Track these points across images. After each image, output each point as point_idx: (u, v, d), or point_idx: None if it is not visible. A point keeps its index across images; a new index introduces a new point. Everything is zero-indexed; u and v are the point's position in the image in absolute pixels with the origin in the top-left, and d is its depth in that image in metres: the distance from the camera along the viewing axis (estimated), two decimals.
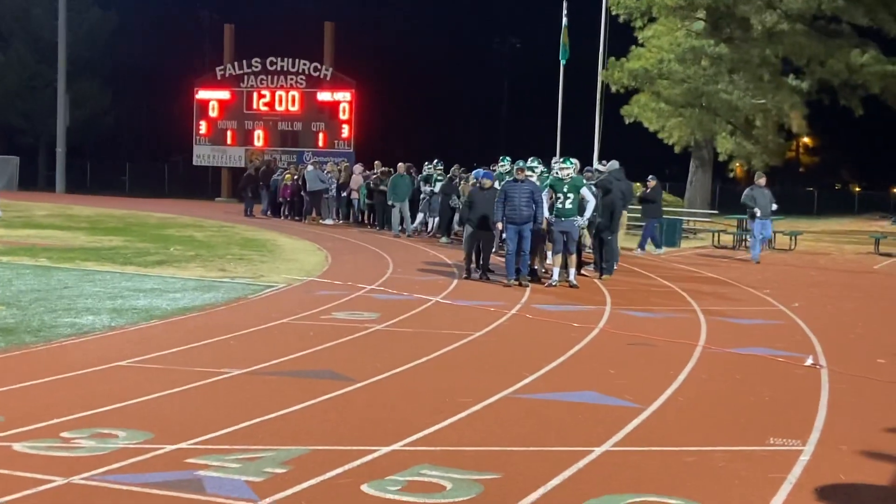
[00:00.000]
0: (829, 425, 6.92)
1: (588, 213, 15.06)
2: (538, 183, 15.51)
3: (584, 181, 15.63)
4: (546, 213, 15.00)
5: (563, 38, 30.17)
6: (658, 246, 22.52)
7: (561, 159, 15.58)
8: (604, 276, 16.33)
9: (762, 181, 21.16)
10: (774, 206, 20.86)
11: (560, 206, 14.89)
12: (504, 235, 15.08)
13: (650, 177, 22.92)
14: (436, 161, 25.95)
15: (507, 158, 19.80)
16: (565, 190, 14.92)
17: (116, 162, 59.71)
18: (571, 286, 14.77)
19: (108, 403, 7.00)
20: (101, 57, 58.70)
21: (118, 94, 59.80)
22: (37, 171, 58.74)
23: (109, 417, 6.63)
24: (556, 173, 15.49)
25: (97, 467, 5.51)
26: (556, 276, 15.00)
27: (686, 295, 14.60)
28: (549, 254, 15.43)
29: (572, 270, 15.08)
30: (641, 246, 22.24)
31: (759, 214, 20.55)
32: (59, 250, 18.38)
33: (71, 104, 51.36)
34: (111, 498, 5.04)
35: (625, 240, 21.00)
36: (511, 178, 15.39)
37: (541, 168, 16.83)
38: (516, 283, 14.76)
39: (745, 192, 21.33)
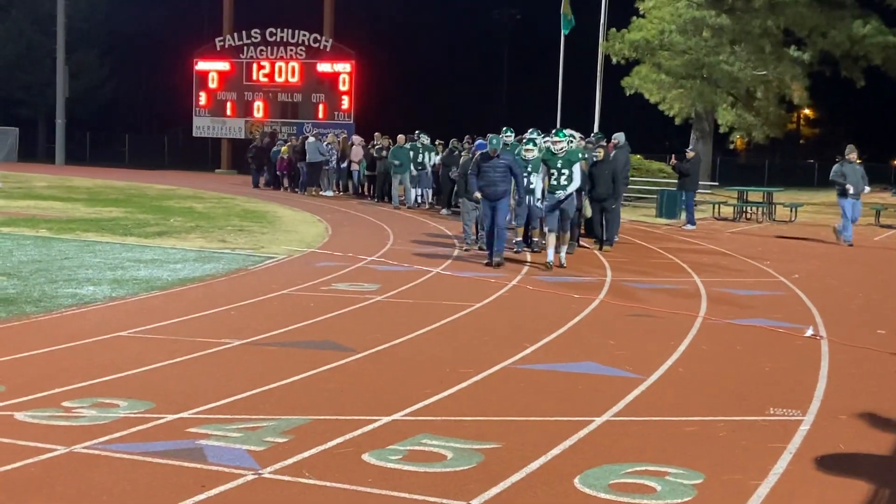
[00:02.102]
0: (828, 395, 6.93)
1: (572, 188, 13.87)
2: (579, 155, 15.39)
3: (581, 155, 15.01)
4: (540, 189, 14.47)
5: (565, 8, 30.02)
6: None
7: (553, 131, 14.71)
8: (604, 248, 16.34)
9: (853, 156, 18.98)
10: (867, 188, 19.11)
11: (554, 181, 13.91)
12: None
13: (688, 149, 22.56)
14: (417, 132, 25.98)
15: (511, 129, 19.70)
16: (559, 165, 13.91)
17: (116, 133, 59.59)
18: (560, 265, 13.88)
19: (109, 373, 7.01)
20: (99, 28, 58.46)
21: (117, 66, 59.64)
22: (36, 142, 58.64)
23: (111, 387, 6.65)
24: (550, 147, 14.46)
25: (99, 436, 5.53)
26: (550, 257, 13.87)
27: (686, 266, 14.60)
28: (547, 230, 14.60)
29: (564, 248, 14.20)
30: (690, 221, 21.62)
31: (851, 192, 18.69)
32: (59, 221, 18.37)
33: (70, 75, 51.19)
34: (113, 467, 5.06)
35: (625, 211, 20.96)
36: (484, 152, 14.33)
37: (540, 140, 16.70)
38: (497, 263, 13.74)
39: (835, 167, 19.26)
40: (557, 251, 14.01)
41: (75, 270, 12.15)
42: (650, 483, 5.00)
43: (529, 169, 15.47)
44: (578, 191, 15.70)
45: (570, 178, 13.86)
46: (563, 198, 13.82)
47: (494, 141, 14.05)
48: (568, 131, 18.00)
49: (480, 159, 14.17)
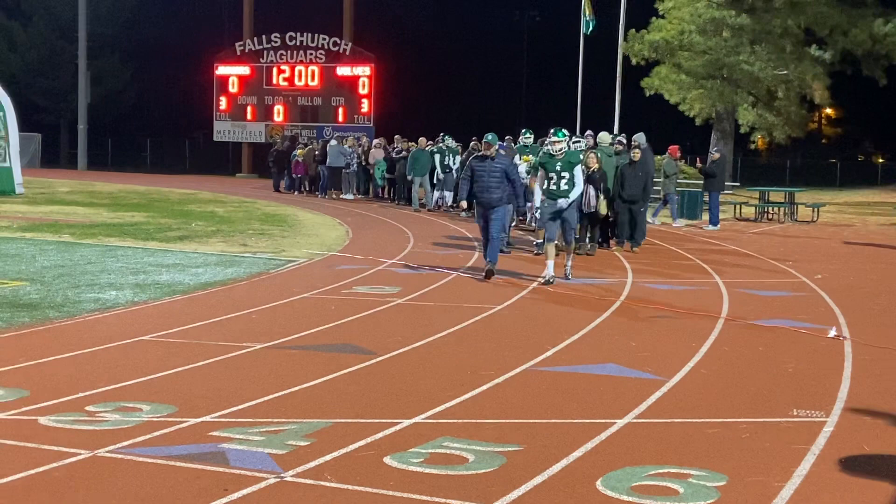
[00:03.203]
0: (852, 396, 6.89)
1: (574, 195, 12.58)
2: (580, 157, 15.25)
3: (580, 156, 13.70)
4: (538, 196, 13.09)
5: (587, 9, 29.99)
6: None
7: (552, 130, 12.97)
8: (634, 249, 16.30)
9: None
10: None
11: (553, 186, 12.59)
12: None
13: (714, 149, 22.54)
14: (442, 135, 26.00)
15: (530, 131, 19.65)
16: (558, 168, 12.58)
17: (137, 138, 59.86)
18: (566, 278, 12.65)
19: (132, 377, 7.04)
20: (121, 34, 58.77)
21: (138, 71, 59.93)
22: (59, 147, 58.99)
23: (134, 391, 6.68)
24: (547, 148, 13.12)
25: (122, 440, 5.55)
26: (549, 271, 12.46)
27: (708, 267, 14.54)
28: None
29: (569, 262, 12.98)
30: (714, 221, 21.57)
31: None
32: (81, 226, 18.47)
33: (92, 81, 51.50)
34: (136, 471, 5.08)
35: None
36: (478, 153, 13.33)
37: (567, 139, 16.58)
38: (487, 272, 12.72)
39: None
40: (565, 259, 13.01)
41: (98, 275, 12.21)
42: (673, 485, 4.98)
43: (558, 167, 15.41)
44: (598, 187, 15.68)
45: (570, 183, 12.53)
46: (565, 206, 12.52)
47: (490, 137, 12.94)
48: (589, 133, 17.99)
49: (473, 161, 13.08)
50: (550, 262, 12.52)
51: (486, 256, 12.93)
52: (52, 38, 57.29)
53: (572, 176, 12.54)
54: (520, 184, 13.01)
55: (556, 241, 12.72)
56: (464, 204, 13.42)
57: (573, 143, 17.30)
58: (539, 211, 13.02)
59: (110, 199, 27.31)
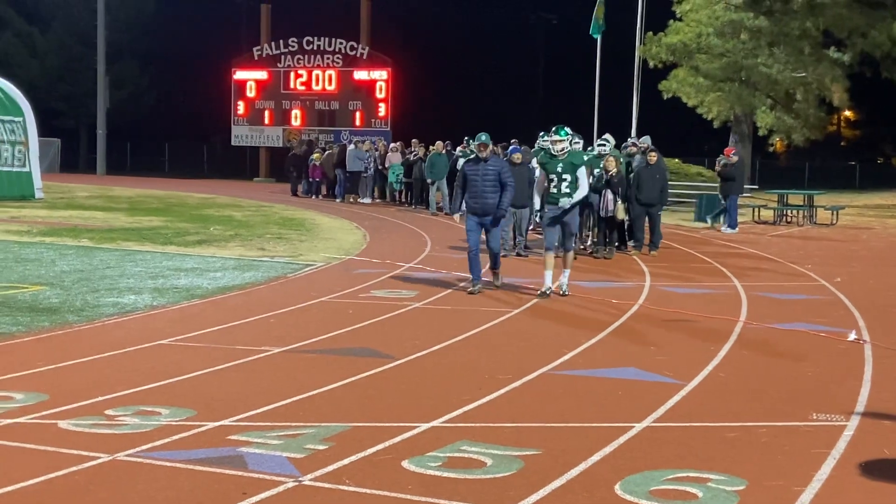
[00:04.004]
0: (872, 400, 6.85)
1: (578, 196, 11.56)
2: (584, 157, 15.16)
3: (584, 157, 12.53)
4: (538, 201, 12.43)
5: (598, 12, 29.97)
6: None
7: (553, 129, 11.86)
8: (652, 252, 16.25)
9: None
10: None
11: (554, 190, 11.55)
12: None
13: (732, 152, 22.42)
14: (466, 139, 26.00)
15: (548, 134, 19.60)
16: (559, 169, 11.53)
17: (155, 143, 60.08)
18: (562, 294, 11.58)
19: (151, 381, 7.07)
20: (139, 39, 59.01)
21: (157, 76, 60.16)
22: (78, 152, 59.21)
23: (153, 395, 6.70)
24: (548, 147, 12.05)
25: (141, 444, 5.57)
26: (547, 282, 11.54)
27: (726, 270, 14.49)
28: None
29: (567, 273, 11.85)
30: (732, 225, 21.38)
31: None
32: (100, 231, 18.56)
33: (111, 86, 51.73)
34: (155, 474, 5.10)
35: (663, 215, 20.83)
36: (472, 156, 12.20)
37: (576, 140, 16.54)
38: (480, 289, 11.74)
39: None
40: (562, 270, 11.88)
41: (117, 279, 12.27)
42: (692, 489, 4.96)
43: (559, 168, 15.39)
44: (616, 192, 15.64)
45: (573, 185, 11.51)
46: (567, 207, 11.51)
47: (484, 137, 11.73)
48: (607, 136, 17.92)
49: (466, 166, 12.05)
50: (548, 273, 11.55)
51: (472, 271, 11.85)
52: (71, 43, 57.59)
53: (575, 178, 11.50)
54: (511, 187, 11.75)
55: (554, 251, 11.74)
56: (456, 217, 12.25)
57: (575, 142, 17.17)
58: (539, 215, 12.08)
59: (129, 203, 27.43)
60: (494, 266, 12.14)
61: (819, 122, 35.50)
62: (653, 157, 16.57)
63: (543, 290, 11.49)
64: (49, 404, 6.40)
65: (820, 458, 5.51)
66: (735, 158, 22.24)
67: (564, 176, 11.48)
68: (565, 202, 11.44)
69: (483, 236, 11.95)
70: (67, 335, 8.84)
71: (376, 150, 30.41)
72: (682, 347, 8.71)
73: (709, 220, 22.19)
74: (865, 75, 33.57)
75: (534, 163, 18.05)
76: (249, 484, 4.94)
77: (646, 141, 18.31)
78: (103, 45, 50.29)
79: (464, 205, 12.00)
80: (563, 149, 11.58)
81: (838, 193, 34.53)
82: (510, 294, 11.72)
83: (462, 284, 12.45)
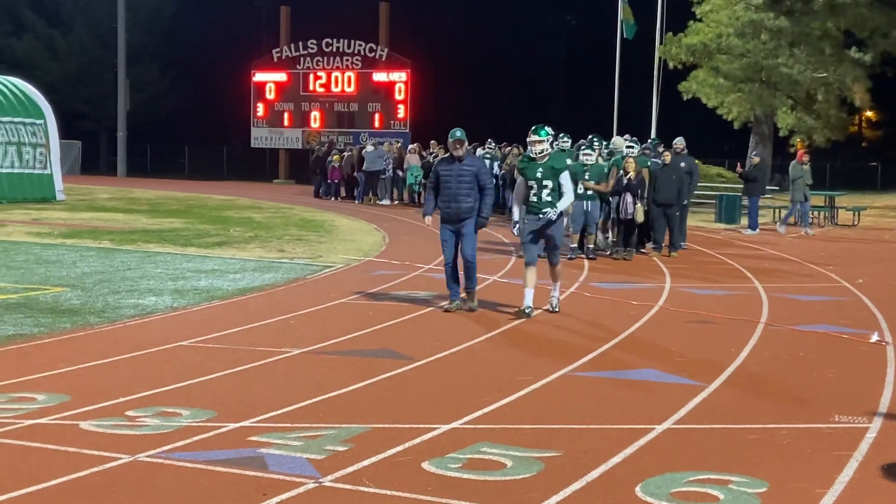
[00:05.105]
0: (895, 402, 6.80)
1: (564, 204, 10.24)
2: (567, 161, 14.96)
3: (567, 161, 11.28)
4: (517, 214, 10.71)
5: (626, 13, 29.88)
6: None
7: (532, 128, 10.36)
8: (672, 254, 16.17)
9: None
10: None
11: (534, 197, 10.19)
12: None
13: (754, 153, 22.28)
14: (489, 140, 26.04)
15: (567, 136, 19.59)
16: (538, 174, 10.14)
17: (175, 145, 60.33)
18: (552, 311, 10.44)
19: (171, 382, 7.09)
20: (159, 41, 59.35)
21: (177, 78, 60.43)
22: (98, 154, 59.55)
23: (173, 396, 6.72)
24: (529, 150, 10.40)
25: (162, 445, 5.59)
26: (528, 300, 10.17)
27: (747, 272, 14.42)
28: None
29: (557, 286, 10.62)
30: (753, 226, 21.27)
31: None
32: (121, 233, 18.64)
33: (131, 88, 51.98)
34: (175, 475, 5.11)
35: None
36: (446, 156, 10.89)
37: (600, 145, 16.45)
38: (458, 306, 10.49)
39: None
40: (553, 279, 10.63)
41: (137, 281, 12.31)
42: (713, 492, 4.93)
43: (588, 175, 15.40)
44: (636, 194, 15.57)
45: (555, 193, 10.16)
46: (553, 217, 10.14)
47: (459, 133, 10.34)
48: (622, 138, 17.84)
49: (439, 165, 10.70)
50: (529, 291, 10.20)
51: (448, 286, 10.61)
52: (91, 46, 57.92)
53: (557, 185, 10.16)
54: (490, 190, 10.48)
55: (535, 266, 10.35)
56: (428, 220, 10.89)
57: (563, 142, 16.83)
58: (517, 228, 10.63)
59: (149, 205, 27.55)
60: (469, 285, 10.58)
61: (840, 122, 35.29)
62: (666, 156, 16.52)
63: (523, 308, 10.16)
64: (70, 405, 6.42)
65: (842, 460, 5.47)
66: (757, 159, 22.14)
67: (545, 182, 10.12)
68: (549, 213, 10.08)
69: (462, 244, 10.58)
70: (88, 336, 8.88)
71: (395, 151, 30.44)
72: (703, 349, 8.67)
73: (782, 229, 21.42)
74: (887, 75, 33.37)
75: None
76: (269, 485, 4.95)
77: (680, 142, 18.23)
78: (124, 48, 50.55)
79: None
80: (542, 151, 10.20)
81: (860, 194, 34.34)
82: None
83: (481, 286, 12.43)
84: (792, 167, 21.81)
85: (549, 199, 10.12)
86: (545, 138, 10.22)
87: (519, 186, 10.46)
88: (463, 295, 10.61)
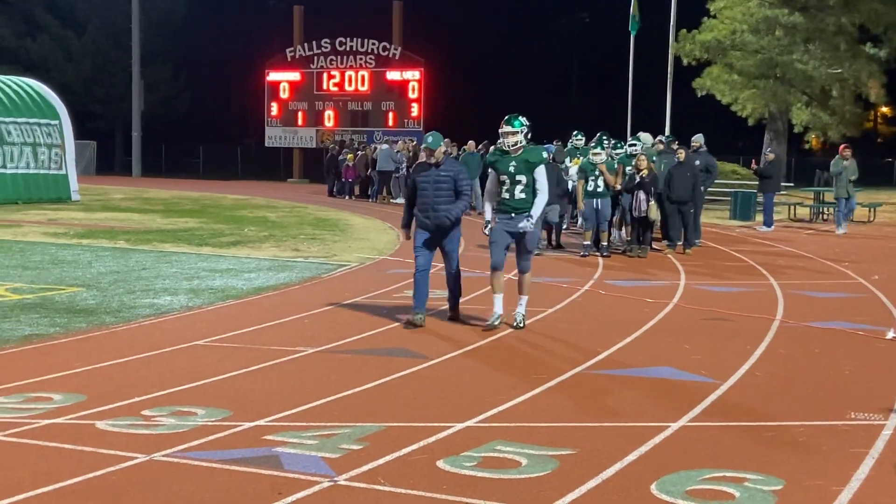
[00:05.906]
0: None
1: (537, 210, 9.13)
2: (612, 161, 14.95)
3: (543, 154, 9.79)
4: (489, 212, 9.40)
5: (634, 9, 29.88)
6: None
7: (505, 118, 9.32)
8: (687, 251, 16.13)
9: None
10: None
11: (506, 194, 9.19)
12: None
13: (768, 150, 22.20)
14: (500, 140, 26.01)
15: (581, 133, 19.59)
16: (511, 169, 9.14)
17: (190, 145, 60.51)
18: (516, 327, 9.29)
19: (187, 382, 7.11)
20: (173, 41, 59.51)
21: (191, 78, 60.62)
22: (113, 155, 59.76)
23: (189, 395, 6.74)
24: (501, 142, 9.44)
25: (177, 444, 5.60)
26: (497, 309, 9.29)
27: (762, 269, 14.38)
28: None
29: (524, 300, 9.44)
30: (768, 223, 21.20)
31: None
32: (136, 232, 18.70)
33: (145, 89, 52.16)
34: (191, 474, 5.13)
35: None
36: (419, 162, 9.94)
37: (609, 143, 16.42)
38: (422, 320, 9.39)
39: None
40: (520, 290, 9.52)
41: (152, 281, 12.35)
42: (728, 489, 4.92)
43: (597, 173, 15.37)
44: (649, 192, 15.53)
45: (528, 189, 9.14)
46: (529, 228, 9.09)
47: (430, 139, 9.46)
48: (639, 135, 17.80)
49: (415, 172, 9.75)
50: (498, 298, 9.33)
51: (415, 297, 9.50)
52: (105, 47, 58.12)
53: (532, 181, 9.14)
54: (468, 194, 9.39)
55: (502, 271, 9.40)
56: (403, 234, 10.10)
57: (575, 140, 16.74)
58: (489, 228, 9.37)
59: (164, 205, 27.62)
60: (453, 305, 9.86)
61: (855, 118, 35.13)
62: (681, 154, 16.48)
63: (492, 320, 9.28)
64: (86, 405, 6.45)
65: (858, 457, 5.45)
66: (772, 156, 22.07)
67: (518, 178, 9.11)
68: (524, 225, 9.03)
69: (446, 259, 9.75)
70: (104, 336, 8.91)
71: (409, 150, 30.44)
72: (718, 346, 8.65)
73: (840, 230, 20.77)
74: None
75: (568, 161, 18.07)
76: (284, 484, 4.96)
77: (698, 139, 18.18)
78: (138, 48, 50.72)
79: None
80: (516, 143, 9.18)
81: (875, 190, 34.17)
82: (543, 294, 11.68)
83: None
84: (833, 162, 21.66)
85: (523, 195, 9.12)
86: (519, 129, 9.17)
87: (491, 182, 9.45)
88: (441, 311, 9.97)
